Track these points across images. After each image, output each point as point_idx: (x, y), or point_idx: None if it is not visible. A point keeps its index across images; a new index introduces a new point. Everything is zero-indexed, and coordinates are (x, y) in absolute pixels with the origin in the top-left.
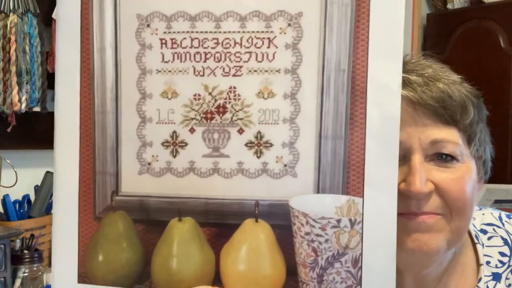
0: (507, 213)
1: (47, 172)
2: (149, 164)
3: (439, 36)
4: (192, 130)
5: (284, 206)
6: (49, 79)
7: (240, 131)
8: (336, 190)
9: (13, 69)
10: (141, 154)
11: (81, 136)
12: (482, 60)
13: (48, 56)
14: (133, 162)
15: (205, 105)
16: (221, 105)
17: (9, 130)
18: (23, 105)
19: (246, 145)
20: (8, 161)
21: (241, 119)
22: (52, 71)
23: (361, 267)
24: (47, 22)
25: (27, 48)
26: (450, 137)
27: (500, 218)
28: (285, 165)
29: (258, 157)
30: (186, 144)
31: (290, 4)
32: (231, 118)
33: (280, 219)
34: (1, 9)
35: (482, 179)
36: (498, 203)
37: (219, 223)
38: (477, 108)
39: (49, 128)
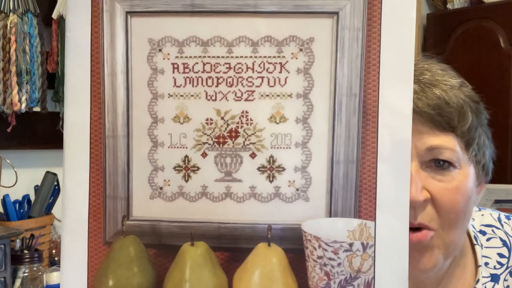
0: (506, 214)
1: (47, 172)
2: (161, 188)
3: (439, 36)
4: (204, 155)
5: (297, 230)
6: (49, 79)
7: (253, 156)
8: (348, 213)
9: (13, 69)
10: (152, 178)
11: (91, 161)
12: (482, 60)
13: (48, 56)
14: (145, 186)
15: (217, 129)
16: (233, 129)
17: (9, 130)
18: (23, 105)
19: (258, 169)
20: (8, 161)
21: (253, 143)
22: (52, 71)
23: None
24: (47, 22)
25: (27, 48)
26: (447, 143)
27: (499, 219)
28: (297, 189)
29: (271, 181)
30: (198, 168)
31: (302, 30)
32: (244, 142)
33: (292, 243)
34: (1, 9)
35: (483, 183)
36: (498, 203)
37: (231, 247)
38: (475, 113)
39: (49, 128)
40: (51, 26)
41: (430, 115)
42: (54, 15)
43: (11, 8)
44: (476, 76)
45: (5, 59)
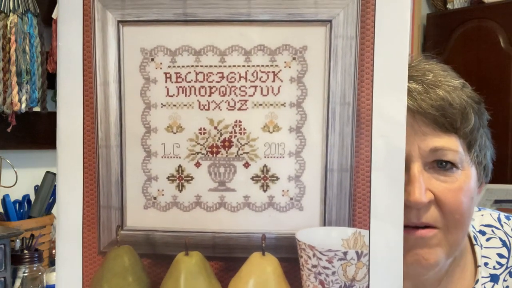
0: (506, 214)
1: (47, 172)
2: (155, 198)
3: (439, 36)
4: (198, 164)
5: (291, 239)
6: (49, 79)
7: (246, 165)
8: (342, 222)
9: (13, 69)
10: (146, 188)
11: (84, 170)
12: (482, 60)
13: (48, 56)
14: (139, 196)
15: (210, 139)
16: (226, 139)
17: (9, 130)
18: (23, 105)
19: (252, 178)
20: (8, 161)
21: (246, 153)
22: (52, 71)
23: None
24: (47, 22)
25: (27, 48)
26: (450, 145)
27: (499, 220)
28: (291, 199)
29: (264, 191)
30: (192, 178)
31: (295, 38)
32: (237, 152)
33: (287, 252)
34: (1, 9)
35: (483, 183)
36: (498, 203)
37: (226, 256)
38: (477, 114)
39: (49, 128)
40: (51, 26)
41: (434, 116)
42: (54, 15)
43: (11, 8)
44: (476, 76)
45: (5, 59)
